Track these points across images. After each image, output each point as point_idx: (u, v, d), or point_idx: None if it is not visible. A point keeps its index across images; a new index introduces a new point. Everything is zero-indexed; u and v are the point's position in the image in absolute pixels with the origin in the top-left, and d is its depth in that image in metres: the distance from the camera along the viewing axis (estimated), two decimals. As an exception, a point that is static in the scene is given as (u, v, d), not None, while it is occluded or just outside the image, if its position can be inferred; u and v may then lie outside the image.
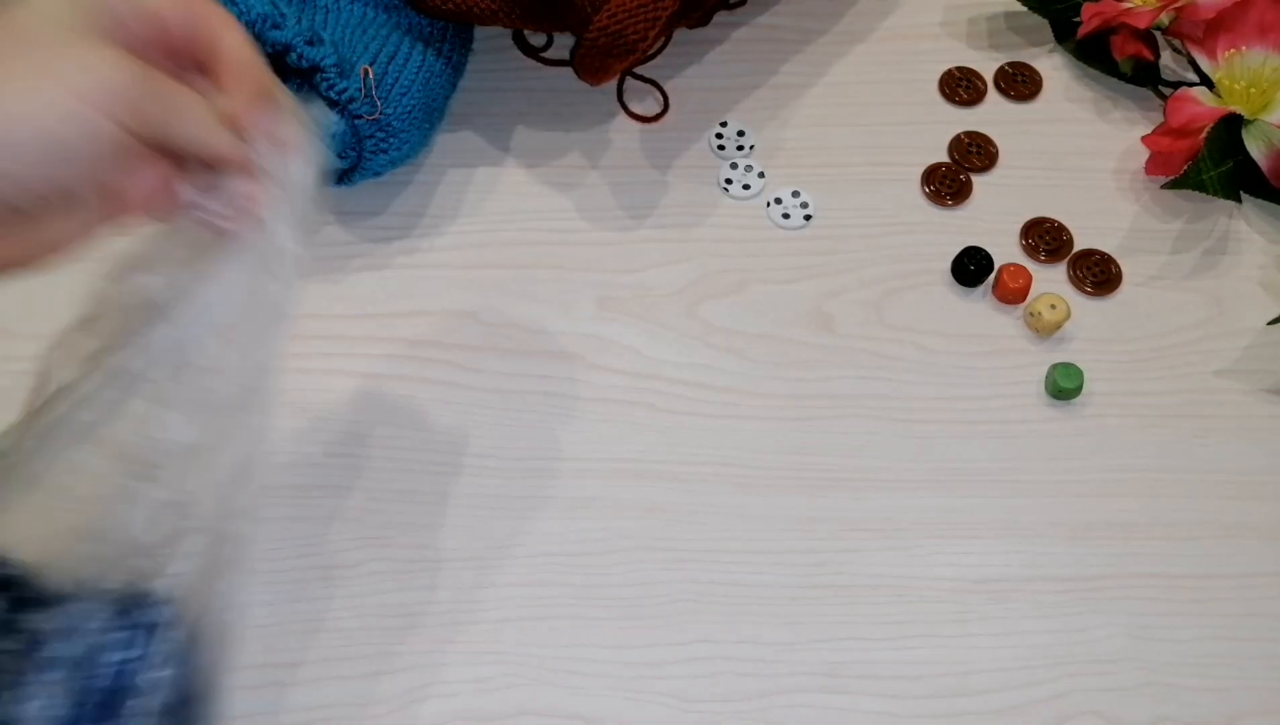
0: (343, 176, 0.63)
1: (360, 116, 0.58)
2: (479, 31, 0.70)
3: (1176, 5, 0.67)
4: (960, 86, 0.70)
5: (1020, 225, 0.65)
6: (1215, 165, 0.64)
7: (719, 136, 0.67)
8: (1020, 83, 0.70)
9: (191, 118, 0.39)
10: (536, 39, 0.71)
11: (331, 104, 0.58)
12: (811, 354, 0.61)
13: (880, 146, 0.68)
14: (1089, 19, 0.69)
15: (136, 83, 0.37)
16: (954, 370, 0.61)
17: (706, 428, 0.59)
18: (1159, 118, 0.67)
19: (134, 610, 0.36)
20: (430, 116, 0.63)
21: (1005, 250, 0.64)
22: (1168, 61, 0.71)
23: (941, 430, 0.59)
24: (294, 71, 0.58)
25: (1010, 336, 0.62)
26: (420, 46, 0.63)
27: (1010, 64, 0.71)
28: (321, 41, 0.57)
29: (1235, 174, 0.64)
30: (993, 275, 0.63)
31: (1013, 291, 0.62)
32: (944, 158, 0.67)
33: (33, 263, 0.40)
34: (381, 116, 0.59)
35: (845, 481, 0.57)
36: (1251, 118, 0.64)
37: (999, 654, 0.54)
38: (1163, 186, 0.66)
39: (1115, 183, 0.67)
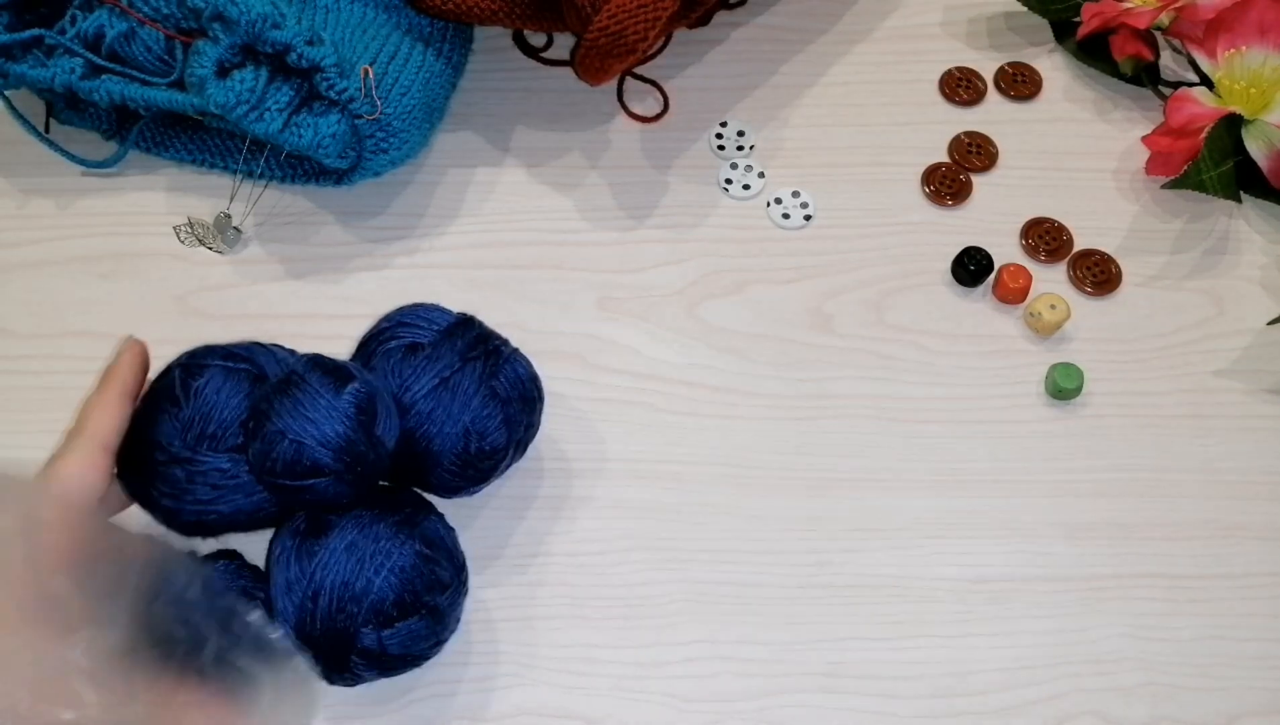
0: (343, 176, 0.63)
1: (360, 116, 0.58)
2: (479, 31, 0.70)
3: (1176, 5, 0.67)
4: (960, 86, 0.70)
5: (1020, 225, 0.65)
6: (1215, 165, 0.64)
7: (719, 136, 0.67)
8: (1020, 83, 0.70)
9: None
10: (536, 39, 0.71)
11: (331, 104, 0.58)
12: (811, 354, 0.61)
13: (880, 146, 0.68)
14: (1089, 19, 0.69)
15: None
16: (954, 370, 0.61)
17: (706, 428, 0.59)
18: (1159, 118, 0.67)
19: None
20: (430, 116, 0.64)
21: (1005, 250, 0.64)
22: (1168, 61, 0.71)
23: (941, 430, 0.59)
24: (294, 71, 0.58)
25: (1010, 336, 0.62)
26: (420, 46, 0.63)
27: (1010, 64, 0.71)
28: (321, 41, 0.57)
29: (1235, 174, 0.64)
30: (993, 275, 0.63)
31: (1013, 291, 0.62)
32: (944, 158, 0.67)
33: None
34: (381, 116, 0.59)
35: (845, 481, 0.57)
36: (1251, 118, 0.64)
37: (999, 654, 0.53)
38: (1163, 186, 0.66)
39: (1115, 183, 0.67)
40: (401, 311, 0.54)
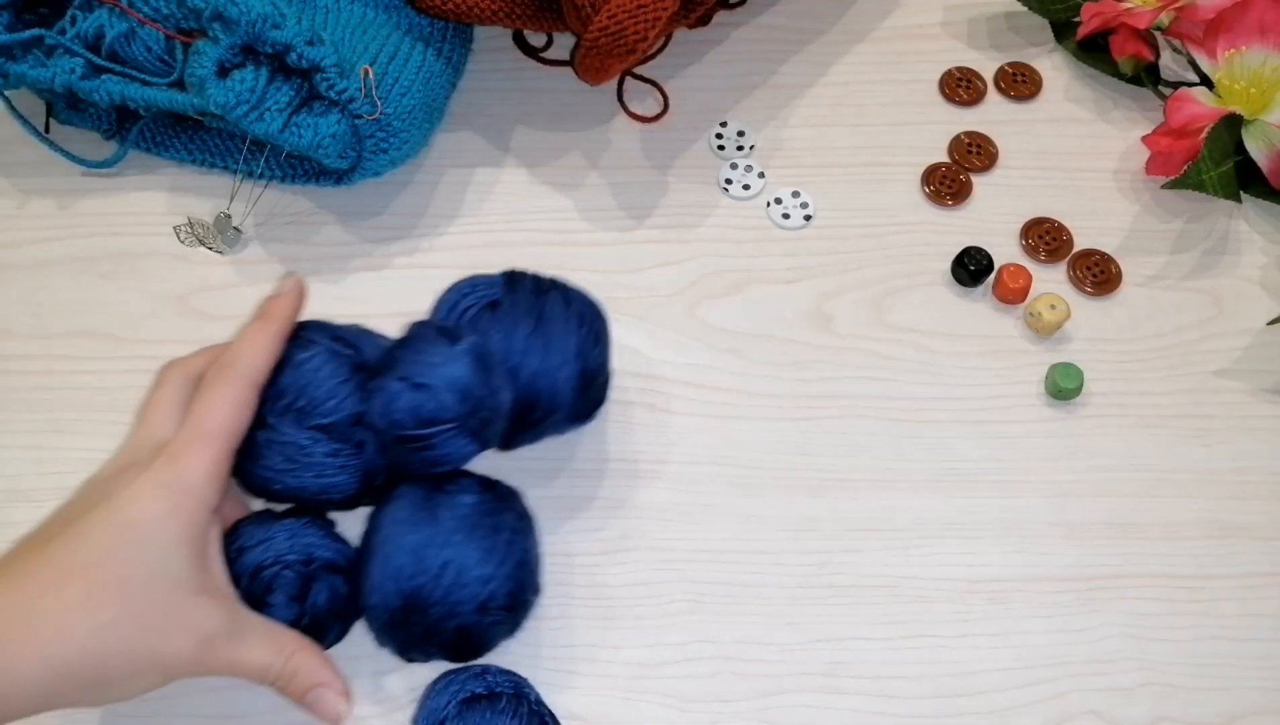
0: (343, 176, 0.63)
1: (360, 116, 0.58)
2: (479, 31, 0.70)
3: (1176, 5, 0.66)
4: (960, 86, 0.70)
5: (1020, 225, 0.65)
6: (1215, 165, 0.64)
7: (719, 136, 0.67)
8: (1020, 83, 0.70)
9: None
10: (536, 39, 0.71)
11: (331, 104, 0.58)
12: (811, 354, 0.61)
13: (880, 146, 0.68)
14: (1089, 19, 0.69)
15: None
16: (954, 370, 0.61)
17: (706, 428, 0.59)
18: (1159, 118, 0.67)
19: None
20: (430, 116, 0.64)
21: (1005, 250, 0.64)
22: (1168, 61, 0.71)
23: (941, 430, 0.59)
24: (294, 71, 0.58)
25: (1010, 336, 0.62)
26: (420, 46, 0.63)
27: (1010, 64, 0.71)
28: (322, 41, 0.57)
29: (1235, 174, 0.64)
30: (993, 275, 0.63)
31: (1013, 291, 0.62)
32: (944, 158, 0.67)
33: None
34: (381, 116, 0.59)
35: (845, 481, 0.57)
36: (1251, 118, 0.64)
37: (999, 654, 0.54)
38: (1163, 186, 0.66)
39: (1115, 183, 0.67)
40: (454, 288, 0.55)
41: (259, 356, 0.48)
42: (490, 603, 0.48)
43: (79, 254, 0.63)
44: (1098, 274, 0.64)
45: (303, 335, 0.51)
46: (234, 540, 0.49)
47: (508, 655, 0.52)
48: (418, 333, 0.50)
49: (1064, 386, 0.59)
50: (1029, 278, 0.62)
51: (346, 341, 0.51)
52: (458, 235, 0.64)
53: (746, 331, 0.61)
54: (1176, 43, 0.70)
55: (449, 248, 0.64)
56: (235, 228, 0.63)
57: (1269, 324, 0.62)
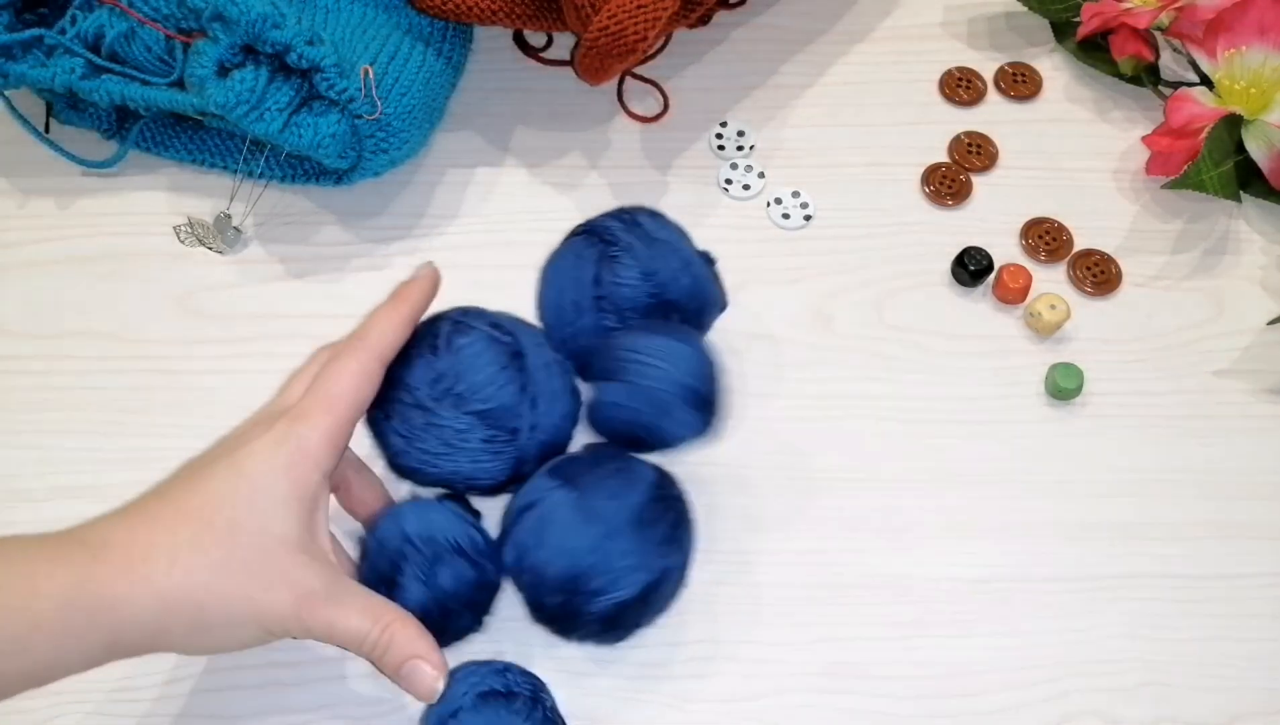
0: (343, 176, 0.63)
1: (360, 116, 0.58)
2: (479, 31, 0.70)
3: (1176, 5, 0.67)
4: (960, 86, 0.70)
5: (1020, 225, 0.65)
6: (1215, 165, 0.64)
7: (719, 136, 0.68)
8: (1020, 83, 0.70)
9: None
10: (536, 39, 0.71)
11: (331, 104, 0.58)
12: (811, 354, 0.61)
13: (880, 146, 0.68)
14: (1089, 19, 0.69)
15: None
16: (954, 370, 0.61)
17: (706, 428, 0.59)
18: (1159, 118, 0.67)
19: None
20: (430, 116, 0.64)
21: (1005, 250, 0.64)
22: (1168, 61, 0.71)
23: (941, 430, 0.59)
24: (294, 71, 0.58)
25: (1010, 336, 0.62)
26: (420, 46, 0.63)
27: (1010, 64, 0.71)
28: (321, 41, 0.57)
29: (1235, 174, 0.64)
30: (993, 275, 0.63)
31: (1013, 291, 0.62)
32: (944, 158, 0.67)
33: None
34: (381, 116, 0.59)
35: (845, 481, 0.57)
36: (1251, 118, 0.64)
37: (999, 654, 0.53)
38: (1163, 186, 0.66)
39: (1115, 183, 0.67)
40: (558, 265, 0.56)
41: (388, 333, 0.49)
42: (671, 569, 0.49)
43: (79, 254, 0.63)
44: (1098, 274, 0.64)
45: (463, 321, 0.51)
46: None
47: (511, 653, 0.52)
48: (659, 328, 0.51)
49: (1064, 386, 0.59)
50: (1029, 278, 0.62)
51: (504, 329, 0.51)
52: (458, 235, 0.64)
53: (746, 331, 0.61)
54: (1176, 43, 0.70)
55: (449, 248, 0.64)
56: (235, 228, 0.63)
57: (1269, 324, 0.62)
